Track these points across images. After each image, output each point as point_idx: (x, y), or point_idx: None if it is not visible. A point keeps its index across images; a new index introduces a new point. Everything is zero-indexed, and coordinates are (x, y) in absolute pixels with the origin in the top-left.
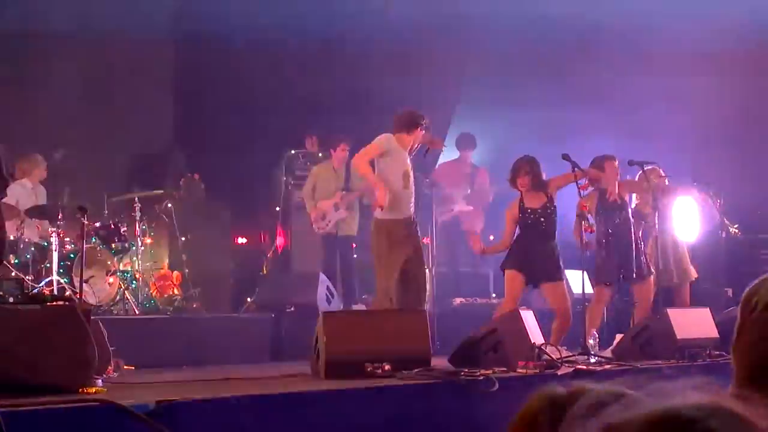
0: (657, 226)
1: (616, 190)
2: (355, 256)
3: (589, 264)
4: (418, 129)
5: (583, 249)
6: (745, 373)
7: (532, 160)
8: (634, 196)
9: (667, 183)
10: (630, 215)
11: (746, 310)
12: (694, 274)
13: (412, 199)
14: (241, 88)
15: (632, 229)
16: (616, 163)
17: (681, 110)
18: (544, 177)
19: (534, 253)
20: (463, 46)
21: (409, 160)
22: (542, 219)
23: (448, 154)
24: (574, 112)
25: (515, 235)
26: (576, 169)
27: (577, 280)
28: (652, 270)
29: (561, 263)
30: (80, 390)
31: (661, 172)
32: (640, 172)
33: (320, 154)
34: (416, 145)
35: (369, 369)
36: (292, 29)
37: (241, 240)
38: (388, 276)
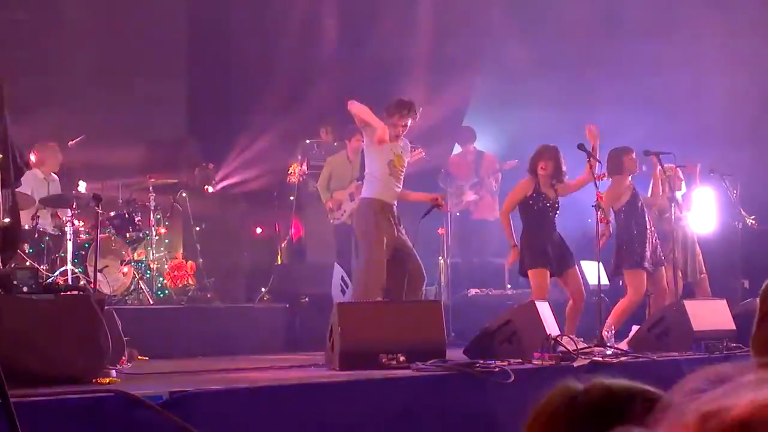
0: (674, 218)
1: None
2: None
3: (605, 255)
4: (397, 116)
5: (598, 239)
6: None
7: (554, 148)
8: (649, 186)
9: (681, 174)
10: (643, 205)
11: (766, 302)
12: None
13: (397, 190)
14: (256, 76)
15: (647, 219)
16: (633, 154)
17: (699, 101)
18: (564, 169)
19: (550, 246)
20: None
21: (400, 151)
22: (551, 211)
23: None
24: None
25: (522, 230)
26: (591, 158)
27: (592, 271)
28: (663, 261)
29: (570, 251)
30: (94, 380)
31: (677, 161)
32: (657, 163)
33: (335, 144)
34: (404, 129)
35: (384, 360)
36: (311, 21)
37: (258, 230)
38: (377, 251)
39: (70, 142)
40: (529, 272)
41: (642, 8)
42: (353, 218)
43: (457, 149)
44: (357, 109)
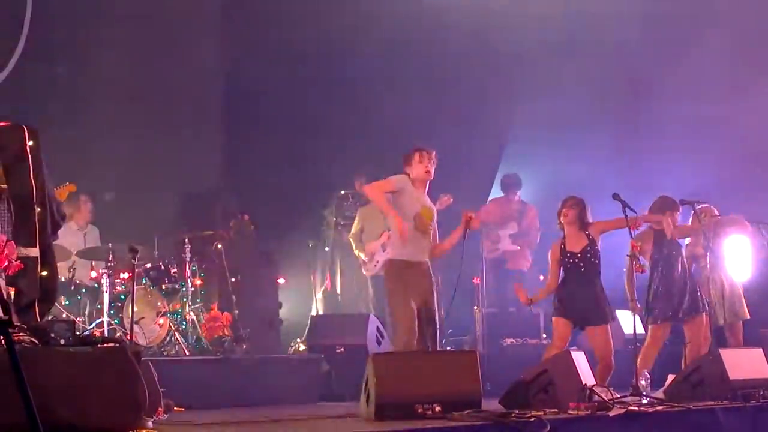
0: (709, 266)
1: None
2: None
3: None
4: (414, 160)
5: (631, 289)
6: None
7: (580, 198)
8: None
9: (718, 221)
10: (683, 255)
11: None
12: (745, 313)
13: (424, 245)
14: (291, 128)
15: (685, 269)
16: (678, 214)
17: (731, 150)
18: (589, 219)
19: (575, 298)
20: (512, 85)
21: (427, 202)
22: (581, 264)
23: (497, 192)
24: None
25: (560, 277)
26: (627, 209)
27: (627, 321)
28: (706, 308)
29: (606, 307)
30: None
31: (714, 211)
32: (693, 213)
33: None
34: (427, 175)
35: (419, 410)
36: (341, 70)
37: (280, 281)
38: (405, 309)
39: (107, 196)
40: (553, 319)
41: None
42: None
43: (496, 194)
44: (372, 195)
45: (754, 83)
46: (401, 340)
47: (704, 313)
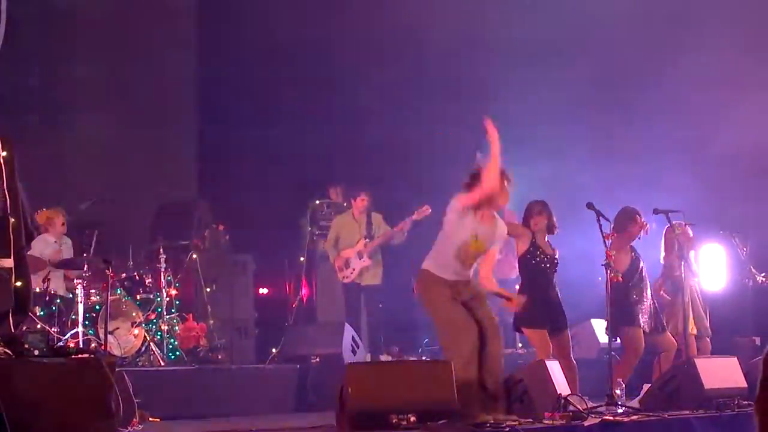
0: (684, 276)
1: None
2: (380, 305)
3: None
4: (474, 185)
5: (607, 297)
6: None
7: (545, 203)
8: (661, 246)
9: (691, 232)
10: (643, 272)
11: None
12: (708, 329)
13: (463, 272)
14: (265, 137)
15: (646, 287)
16: (638, 218)
17: (705, 156)
18: (555, 223)
19: (546, 304)
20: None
21: (477, 233)
22: (548, 266)
23: None
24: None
25: (519, 284)
26: (600, 217)
27: (603, 330)
28: (664, 325)
29: (564, 312)
30: None
31: (689, 230)
32: (666, 224)
33: (345, 204)
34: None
35: (394, 420)
36: (316, 78)
37: (263, 290)
38: (447, 309)
39: (82, 205)
40: (526, 332)
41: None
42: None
43: None
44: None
45: (738, 90)
46: (449, 342)
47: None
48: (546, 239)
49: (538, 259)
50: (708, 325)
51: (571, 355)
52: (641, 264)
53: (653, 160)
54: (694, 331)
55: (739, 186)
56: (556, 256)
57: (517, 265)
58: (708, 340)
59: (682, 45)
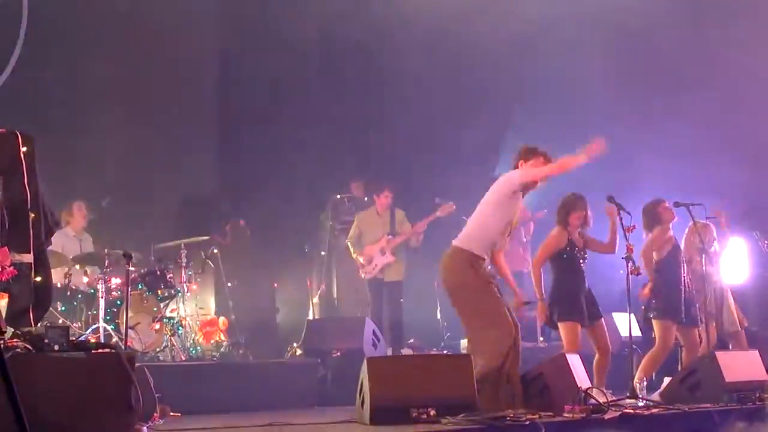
0: (706, 270)
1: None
2: (402, 300)
3: (636, 306)
4: (534, 159)
5: (629, 291)
6: None
7: (584, 198)
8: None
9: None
10: (681, 259)
11: None
12: (743, 320)
13: (492, 252)
14: (286, 133)
15: (684, 274)
16: (667, 203)
17: (728, 150)
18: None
19: (579, 297)
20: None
21: (517, 212)
22: (581, 261)
23: None
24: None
25: (553, 281)
26: (621, 211)
27: (624, 323)
28: (702, 317)
29: (597, 302)
30: None
31: (713, 229)
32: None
33: (365, 199)
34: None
35: (414, 414)
36: (338, 75)
37: (283, 285)
38: (490, 302)
39: (103, 202)
40: (560, 325)
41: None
42: (442, 271)
43: None
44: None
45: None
46: (491, 331)
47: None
48: (579, 232)
49: (573, 254)
50: (737, 318)
51: (608, 342)
52: (681, 254)
53: (672, 155)
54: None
55: (760, 180)
56: (585, 249)
57: (528, 258)
58: (741, 333)
59: (703, 40)
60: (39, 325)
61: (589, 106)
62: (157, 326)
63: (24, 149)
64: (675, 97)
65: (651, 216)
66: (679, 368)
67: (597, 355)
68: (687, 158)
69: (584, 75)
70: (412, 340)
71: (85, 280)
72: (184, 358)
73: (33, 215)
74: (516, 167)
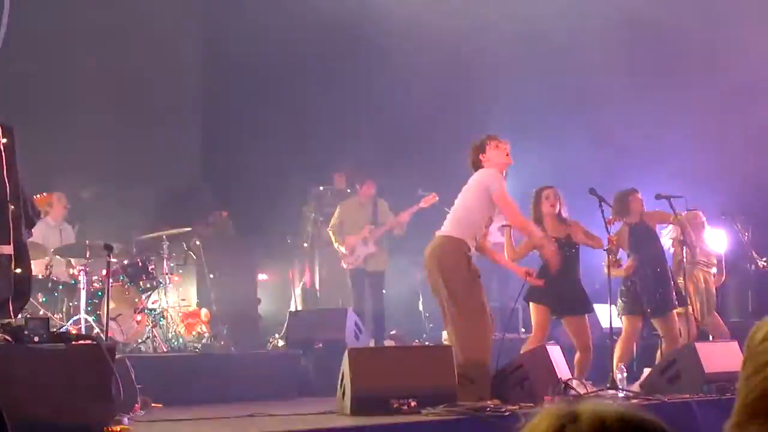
0: (686, 261)
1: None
2: (384, 291)
3: (615, 298)
4: (489, 147)
5: (609, 283)
6: (741, 405)
7: (551, 187)
8: (667, 230)
9: (701, 217)
10: (661, 247)
11: (749, 343)
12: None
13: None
14: (268, 124)
15: (665, 262)
16: (639, 194)
17: (707, 142)
18: (565, 213)
19: (557, 284)
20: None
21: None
22: (565, 248)
23: None
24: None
25: (539, 265)
26: (603, 203)
27: (605, 315)
28: (675, 304)
29: (586, 297)
30: (105, 429)
31: (701, 215)
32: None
33: (348, 190)
34: (508, 159)
35: (395, 405)
36: (320, 65)
37: (262, 276)
38: (477, 294)
39: (84, 192)
40: (531, 305)
41: (656, 52)
42: (432, 259)
43: None
44: (518, 223)
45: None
46: (477, 326)
47: (676, 309)
48: (559, 226)
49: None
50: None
51: (590, 343)
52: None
53: (653, 146)
54: (700, 319)
55: (739, 171)
56: (572, 242)
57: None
58: (715, 316)
59: (686, 32)
60: (19, 316)
61: (577, 95)
62: (139, 317)
63: (4, 141)
64: (669, 88)
65: (620, 204)
66: (657, 358)
67: (577, 353)
68: (683, 149)
69: (572, 65)
70: (394, 331)
71: (66, 271)
72: (165, 350)
73: (12, 207)
74: (478, 161)
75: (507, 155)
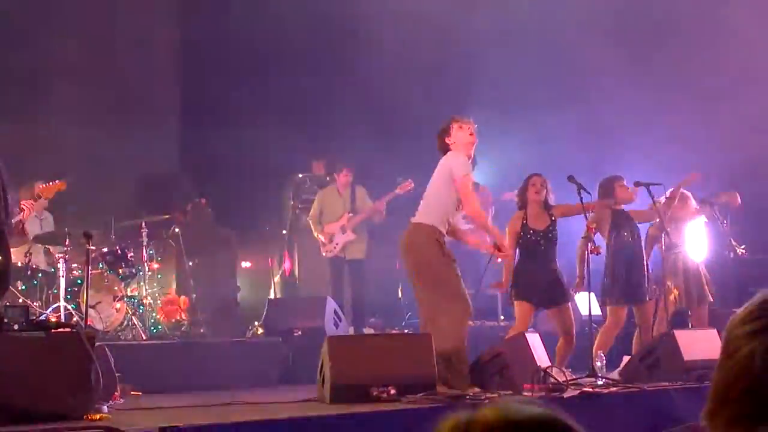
0: (664, 248)
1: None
2: (363, 278)
3: (595, 285)
4: (453, 129)
5: (587, 270)
6: (714, 391)
7: (541, 175)
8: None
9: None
10: (639, 235)
11: (726, 330)
12: (708, 296)
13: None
14: (247, 111)
15: (641, 249)
16: (624, 181)
17: (689, 130)
18: (551, 200)
19: (538, 280)
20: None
21: None
22: (542, 242)
23: None
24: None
25: (516, 259)
26: (582, 190)
27: (584, 302)
28: (655, 292)
29: (565, 286)
30: (84, 416)
31: (667, 193)
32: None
33: (327, 178)
34: (473, 138)
35: (374, 393)
36: (299, 52)
37: (245, 264)
38: (454, 279)
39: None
40: (514, 303)
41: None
42: (405, 247)
43: None
44: (477, 217)
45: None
46: (457, 310)
47: (654, 297)
48: (542, 214)
49: (528, 237)
50: (702, 293)
51: (573, 331)
52: (630, 230)
53: (635, 134)
54: (683, 304)
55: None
56: (552, 231)
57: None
58: (705, 308)
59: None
60: None
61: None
62: (118, 305)
63: None
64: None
65: (605, 191)
66: (633, 346)
67: (560, 340)
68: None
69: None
70: (373, 319)
71: (46, 259)
72: (144, 337)
73: None
74: (445, 144)
75: (471, 134)
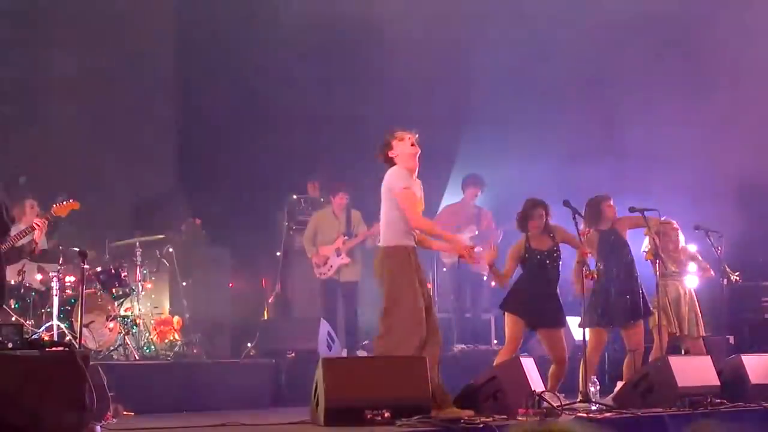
0: (658, 274)
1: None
2: (357, 301)
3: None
4: (399, 140)
5: (583, 295)
6: None
7: (545, 203)
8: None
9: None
10: (631, 255)
11: None
12: (702, 330)
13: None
14: (242, 132)
15: (634, 271)
16: (611, 201)
17: (682, 157)
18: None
19: (535, 297)
20: (464, 92)
21: (420, 192)
22: (548, 261)
23: (450, 198)
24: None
25: (517, 275)
26: (576, 215)
27: (576, 327)
28: (643, 315)
29: (562, 310)
30: None
31: (674, 224)
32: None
33: (321, 200)
34: (415, 149)
35: (369, 416)
36: (293, 75)
37: (238, 285)
38: (414, 296)
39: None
40: (505, 315)
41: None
42: (379, 269)
43: (453, 199)
44: (426, 227)
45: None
46: (407, 327)
47: (647, 317)
48: (544, 237)
49: (534, 259)
50: (696, 325)
51: (565, 356)
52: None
53: (626, 161)
54: (677, 331)
55: (713, 187)
56: (556, 252)
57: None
58: (701, 341)
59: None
60: None
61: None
62: (111, 325)
63: None
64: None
65: (592, 210)
66: (623, 372)
67: (553, 365)
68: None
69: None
70: (367, 342)
71: (39, 277)
72: (138, 357)
73: None
74: (388, 159)
75: (413, 145)
